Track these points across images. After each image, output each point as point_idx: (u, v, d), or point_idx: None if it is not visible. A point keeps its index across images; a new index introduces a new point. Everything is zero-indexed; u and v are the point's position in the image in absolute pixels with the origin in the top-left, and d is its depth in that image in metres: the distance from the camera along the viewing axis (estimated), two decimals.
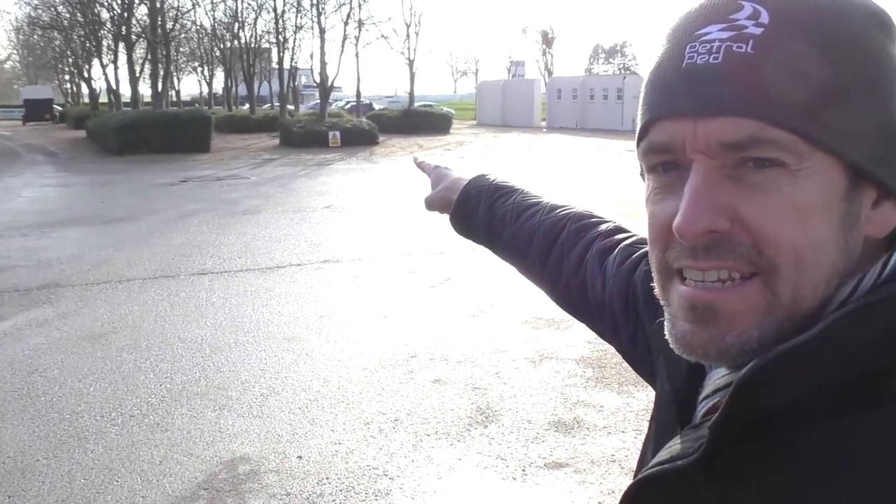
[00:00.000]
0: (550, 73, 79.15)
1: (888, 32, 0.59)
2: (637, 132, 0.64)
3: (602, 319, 1.00)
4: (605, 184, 16.53)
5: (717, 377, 0.64)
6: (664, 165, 0.61)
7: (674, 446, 0.64)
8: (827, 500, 0.52)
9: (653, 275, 0.65)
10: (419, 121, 36.00)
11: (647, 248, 0.68)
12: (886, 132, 0.57)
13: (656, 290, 0.65)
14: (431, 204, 1.35)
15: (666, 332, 0.63)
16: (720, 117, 0.56)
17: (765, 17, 0.56)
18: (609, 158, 23.08)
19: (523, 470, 4.00)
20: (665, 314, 0.64)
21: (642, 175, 0.66)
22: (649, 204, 0.63)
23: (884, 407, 0.53)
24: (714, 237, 0.57)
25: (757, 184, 0.56)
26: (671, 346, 0.62)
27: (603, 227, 1.08)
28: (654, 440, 0.74)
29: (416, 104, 40.68)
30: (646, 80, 0.64)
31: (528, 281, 1.20)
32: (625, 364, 1.07)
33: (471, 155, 25.08)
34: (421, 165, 1.49)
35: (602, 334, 1.03)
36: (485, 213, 1.23)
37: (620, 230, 1.07)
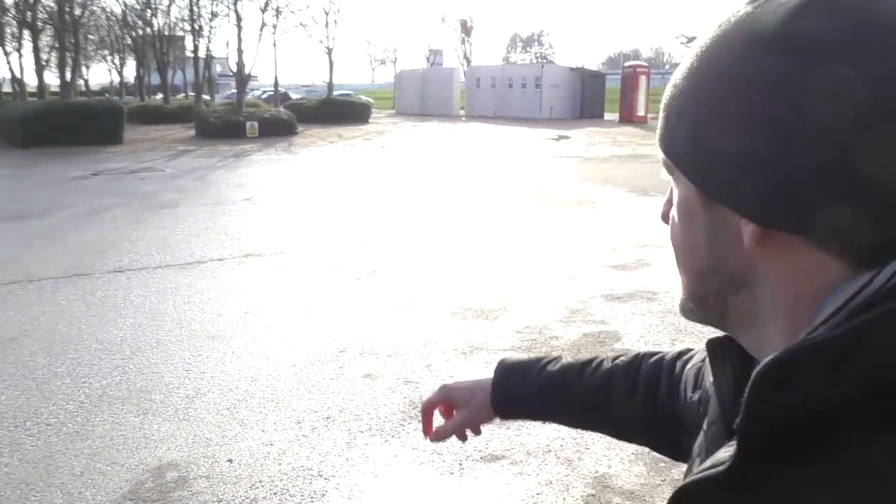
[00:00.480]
0: (469, 62, 79.42)
1: (768, 48, 0.57)
2: None
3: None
4: (525, 172, 16.69)
5: None
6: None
7: (714, 457, 0.63)
8: None
9: None
10: (338, 110, 35.68)
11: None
12: (718, 156, 0.60)
13: None
14: (474, 423, 1.27)
15: None
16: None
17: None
18: (528, 146, 23.34)
19: (460, 464, 3.98)
20: None
21: None
22: None
23: None
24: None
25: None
26: None
27: (674, 351, 1.15)
28: (705, 454, 0.74)
29: (334, 93, 40.29)
30: None
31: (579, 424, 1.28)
32: (554, 352, 1.14)
33: (391, 144, 25.00)
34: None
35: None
36: (534, 381, 1.21)
37: (689, 349, 1.12)
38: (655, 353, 1.16)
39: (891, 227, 0.55)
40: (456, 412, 1.27)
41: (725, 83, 0.59)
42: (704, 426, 0.80)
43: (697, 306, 0.70)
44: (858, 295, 0.56)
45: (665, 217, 0.72)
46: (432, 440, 1.30)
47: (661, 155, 0.68)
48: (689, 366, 1.07)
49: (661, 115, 0.67)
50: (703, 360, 1.01)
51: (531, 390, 1.21)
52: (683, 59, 0.66)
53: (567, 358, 1.22)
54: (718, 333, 0.74)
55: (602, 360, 1.19)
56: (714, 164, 0.60)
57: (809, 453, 0.55)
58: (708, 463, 0.63)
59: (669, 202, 0.71)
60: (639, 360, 1.16)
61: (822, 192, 0.55)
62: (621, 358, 1.18)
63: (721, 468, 0.59)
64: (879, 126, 0.53)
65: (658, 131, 0.68)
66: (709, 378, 0.84)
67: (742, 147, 0.58)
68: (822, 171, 0.54)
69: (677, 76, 0.65)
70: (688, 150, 0.63)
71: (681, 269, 0.71)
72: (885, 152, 0.53)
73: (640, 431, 1.16)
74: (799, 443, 0.56)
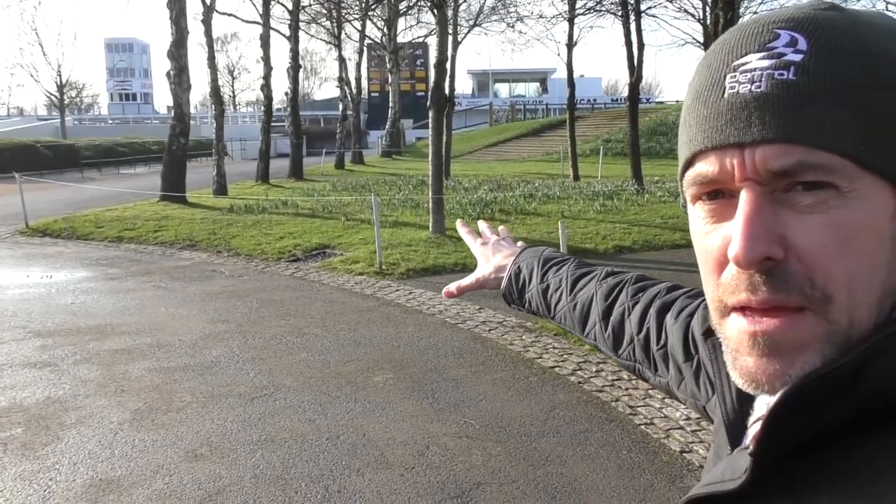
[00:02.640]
0: None
1: None
2: (682, 164, 0.65)
3: (666, 370, 1.03)
4: None
5: (766, 400, 0.65)
6: (710, 194, 0.62)
7: (723, 468, 0.65)
8: None
9: (710, 310, 0.65)
10: None
11: (703, 298, 0.73)
12: None
13: (714, 325, 0.65)
14: (485, 284, 1.39)
15: (729, 368, 0.63)
16: (768, 144, 0.57)
17: (803, 44, 0.58)
18: None
19: None
20: (724, 349, 0.64)
21: (684, 206, 0.68)
22: (699, 236, 0.64)
23: None
24: (770, 265, 0.57)
25: (806, 206, 0.56)
26: (736, 381, 0.62)
27: (661, 285, 1.13)
28: (712, 460, 0.75)
29: None
30: (685, 113, 0.65)
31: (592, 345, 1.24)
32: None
33: None
34: (470, 233, 1.53)
35: (666, 387, 1.04)
36: (538, 285, 1.29)
37: (678, 286, 1.11)
38: (641, 280, 1.16)
39: None
40: (483, 265, 1.41)
41: None
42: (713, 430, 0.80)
43: (841, 351, 0.57)
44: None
45: (761, 257, 0.57)
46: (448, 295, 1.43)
47: (802, 159, 0.56)
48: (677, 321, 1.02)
49: (801, 108, 0.56)
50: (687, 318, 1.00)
51: (533, 298, 1.30)
52: (804, 50, 0.58)
53: (577, 262, 1.29)
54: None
55: (594, 276, 1.23)
56: None
57: (818, 467, 0.57)
58: (718, 474, 0.65)
59: (768, 233, 0.57)
60: (622, 285, 1.17)
61: None
62: (611, 278, 1.20)
63: (733, 485, 0.61)
64: None
65: (801, 128, 0.56)
66: (708, 366, 0.87)
67: None
68: None
69: (821, 66, 0.57)
70: (884, 148, 0.56)
71: (856, 304, 0.57)
72: None
73: (624, 359, 1.15)
74: (809, 458, 0.57)
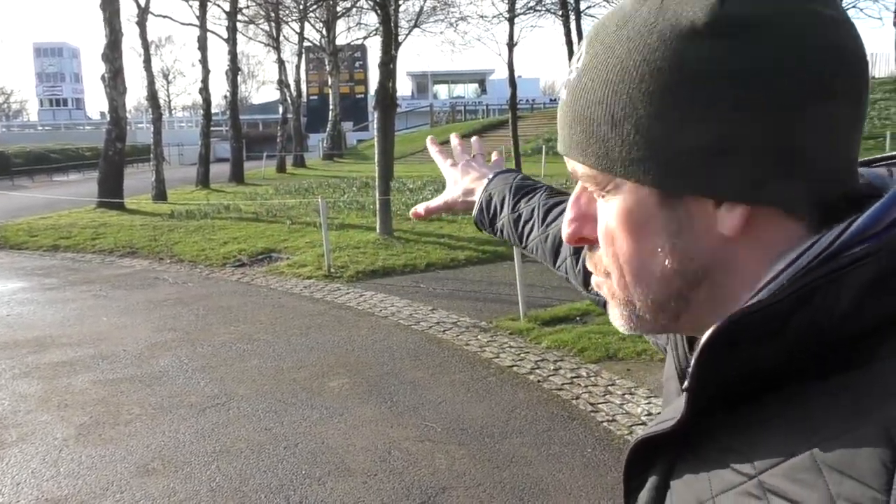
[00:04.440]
0: None
1: (702, 36, 0.57)
2: None
3: None
4: None
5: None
6: None
7: (668, 411, 0.68)
8: (806, 461, 0.54)
9: None
10: None
11: None
12: (679, 149, 0.59)
13: None
14: (453, 207, 1.36)
15: None
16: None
17: (581, 61, 0.64)
18: None
19: None
20: None
21: None
22: None
23: (846, 370, 0.55)
24: (588, 244, 0.70)
25: (600, 202, 0.67)
26: None
27: None
28: (663, 406, 0.78)
29: None
30: None
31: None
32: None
33: None
34: (441, 152, 1.46)
35: None
36: (510, 214, 1.26)
37: None
38: None
39: (839, 184, 0.61)
40: (451, 187, 1.38)
41: (669, 78, 0.58)
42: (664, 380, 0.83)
43: (654, 315, 0.67)
44: (800, 258, 0.59)
45: (575, 238, 0.70)
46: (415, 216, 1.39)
47: (579, 169, 0.66)
48: None
49: (571, 128, 0.65)
50: None
51: (504, 226, 1.29)
52: (579, 67, 0.64)
53: (549, 190, 1.29)
54: None
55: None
56: (683, 159, 0.59)
57: (752, 406, 0.60)
58: (661, 417, 0.69)
59: (580, 220, 0.69)
60: None
61: (785, 164, 0.59)
62: None
63: (671, 423, 0.64)
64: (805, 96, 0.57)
65: (569, 144, 0.66)
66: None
67: (714, 135, 0.58)
68: (782, 144, 0.58)
69: (583, 85, 0.62)
70: (637, 154, 0.60)
71: (629, 283, 0.66)
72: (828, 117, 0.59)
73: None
74: (742, 397, 0.60)
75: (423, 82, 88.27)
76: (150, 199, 20.67)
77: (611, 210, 0.64)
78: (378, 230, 12.97)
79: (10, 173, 34.54)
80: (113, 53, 19.03)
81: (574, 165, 0.67)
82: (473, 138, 1.52)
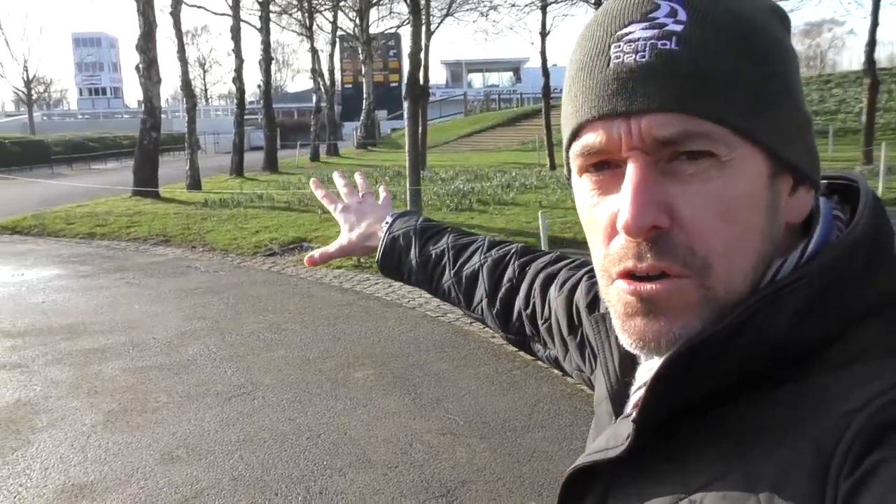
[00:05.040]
0: None
1: (786, 26, 0.63)
2: (567, 136, 0.64)
3: (552, 343, 1.01)
4: None
5: (648, 368, 0.68)
6: (596, 165, 0.62)
7: (607, 437, 0.67)
8: (739, 479, 0.54)
9: (598, 278, 0.66)
10: None
11: (589, 267, 0.79)
12: (795, 120, 0.61)
13: (602, 293, 0.66)
14: (351, 252, 1.32)
15: (618, 331, 0.64)
16: (653, 114, 0.57)
17: (682, 15, 0.58)
18: None
19: None
20: (612, 315, 0.65)
21: (569, 180, 0.68)
22: (586, 207, 0.64)
23: (780, 389, 0.56)
24: (656, 233, 0.58)
25: (690, 175, 0.57)
26: (625, 343, 0.63)
27: (546, 257, 1.11)
28: (593, 432, 0.77)
29: None
30: (568, 84, 0.64)
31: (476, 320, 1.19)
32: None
33: None
34: (327, 196, 1.40)
35: (555, 361, 1.03)
36: (417, 256, 1.22)
37: (564, 257, 1.09)
38: (528, 252, 1.15)
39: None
40: (347, 233, 1.33)
41: (770, 46, 0.60)
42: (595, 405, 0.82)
43: (725, 315, 0.58)
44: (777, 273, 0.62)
45: (650, 227, 0.58)
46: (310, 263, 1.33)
47: (686, 128, 0.57)
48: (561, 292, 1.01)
49: (698, 80, 0.57)
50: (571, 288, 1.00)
51: (412, 269, 1.24)
52: (684, 20, 0.58)
53: (457, 231, 1.26)
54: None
55: (478, 248, 1.19)
56: (793, 128, 0.60)
57: (698, 432, 0.59)
58: (602, 443, 0.67)
59: (660, 204, 0.58)
60: (508, 257, 1.15)
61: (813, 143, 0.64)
62: (496, 249, 1.17)
63: (617, 451, 0.63)
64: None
65: (697, 98, 0.57)
66: (592, 338, 0.87)
67: (798, 110, 0.61)
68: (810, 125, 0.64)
69: (706, 39, 0.58)
70: (767, 116, 0.58)
71: (734, 270, 0.59)
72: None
73: (512, 336, 1.13)
74: (679, 419, 0.60)
75: (457, 70, 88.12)
76: (184, 187, 20.91)
77: (728, 184, 0.57)
78: None
79: (50, 161, 35.18)
80: (147, 44, 19.24)
81: (677, 126, 0.57)
82: (357, 174, 1.46)
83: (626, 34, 0.59)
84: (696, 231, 0.58)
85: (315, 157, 34.27)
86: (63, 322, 7.87)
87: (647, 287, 0.60)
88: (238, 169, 25.52)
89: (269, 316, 7.97)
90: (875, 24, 20.36)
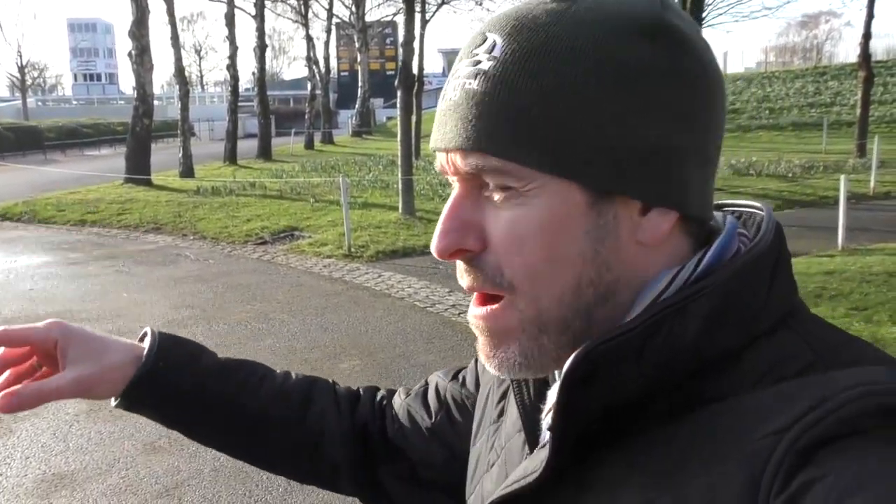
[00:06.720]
0: None
1: (661, 42, 0.58)
2: None
3: (444, 433, 0.96)
4: None
5: (555, 390, 0.65)
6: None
7: (524, 466, 0.64)
8: (665, 501, 0.53)
9: None
10: None
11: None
12: (630, 146, 0.58)
13: None
14: (88, 391, 0.86)
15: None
16: (454, 151, 0.60)
17: (497, 50, 0.58)
18: None
19: None
20: None
21: None
22: None
23: (702, 407, 0.55)
24: (469, 255, 0.61)
25: (498, 202, 0.60)
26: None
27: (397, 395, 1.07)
28: (503, 469, 0.73)
29: None
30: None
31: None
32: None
33: None
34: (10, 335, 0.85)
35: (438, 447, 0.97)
36: (193, 386, 0.93)
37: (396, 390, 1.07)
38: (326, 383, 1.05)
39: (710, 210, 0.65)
40: (63, 365, 0.85)
41: (616, 73, 0.57)
42: (494, 443, 0.79)
43: (556, 339, 0.61)
44: (671, 285, 0.60)
45: (452, 250, 0.61)
46: (7, 410, 0.80)
47: (486, 164, 0.58)
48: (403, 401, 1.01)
49: (489, 119, 0.57)
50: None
51: (186, 401, 0.93)
52: (497, 56, 0.58)
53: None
54: None
55: (261, 370, 1.01)
56: (623, 157, 0.58)
57: (617, 446, 0.58)
58: (519, 473, 0.64)
59: (463, 229, 0.61)
60: (313, 381, 1.04)
61: (700, 169, 0.61)
62: (285, 375, 1.02)
63: (534, 476, 0.60)
64: (718, 109, 0.62)
65: (485, 137, 0.58)
66: (490, 395, 0.85)
67: (655, 133, 0.58)
68: (699, 152, 0.61)
69: (511, 75, 0.57)
70: (574, 150, 0.57)
71: (539, 296, 0.60)
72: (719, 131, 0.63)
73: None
74: (607, 437, 0.58)
75: (453, 59, 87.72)
76: (177, 175, 20.84)
77: (529, 212, 0.58)
78: (400, 210, 12.96)
79: (43, 147, 35.05)
80: (140, 30, 19.12)
81: (472, 162, 0.59)
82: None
83: (455, 71, 0.61)
84: (502, 253, 0.60)
85: (309, 144, 34.17)
86: (50, 309, 7.84)
87: (478, 310, 0.63)
88: (231, 156, 25.43)
89: (257, 305, 7.95)
90: (870, 16, 20.39)
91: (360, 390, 1.05)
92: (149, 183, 18.87)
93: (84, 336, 0.87)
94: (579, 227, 0.59)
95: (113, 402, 0.91)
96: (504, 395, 0.82)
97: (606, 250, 0.60)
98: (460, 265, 0.63)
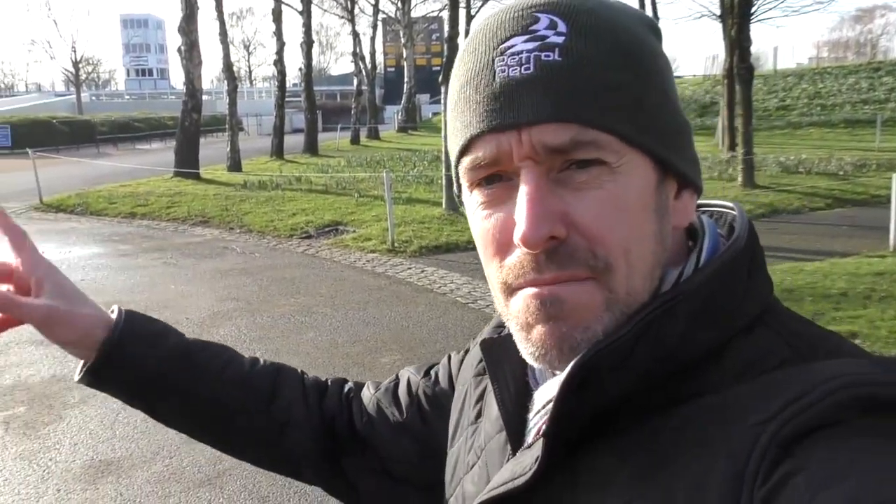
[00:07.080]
0: None
1: (659, 37, 0.65)
2: (456, 152, 0.64)
3: (412, 424, 0.97)
4: None
5: (546, 392, 0.67)
6: (488, 179, 0.62)
7: (510, 468, 0.64)
8: (658, 499, 0.53)
9: (494, 295, 0.65)
10: None
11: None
12: (676, 127, 0.63)
13: (500, 309, 0.65)
14: (54, 326, 0.86)
15: (520, 345, 0.63)
16: (543, 124, 0.57)
17: (562, 27, 0.59)
18: None
19: None
20: (513, 329, 0.64)
21: (459, 195, 0.68)
22: (478, 221, 0.64)
23: (686, 404, 0.56)
24: (554, 244, 0.58)
25: (582, 183, 0.58)
26: (527, 355, 0.63)
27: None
28: (483, 470, 0.73)
29: None
30: (454, 100, 0.64)
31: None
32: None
33: None
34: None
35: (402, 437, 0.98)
36: (157, 365, 0.93)
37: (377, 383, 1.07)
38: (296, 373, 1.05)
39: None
40: (37, 296, 0.86)
41: (658, 55, 0.63)
42: (473, 444, 0.78)
43: (628, 320, 0.59)
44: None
45: (548, 233, 0.57)
46: None
47: (574, 136, 0.57)
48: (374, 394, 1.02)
49: (569, 89, 0.57)
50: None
51: (148, 380, 0.93)
52: (565, 32, 0.59)
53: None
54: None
55: (229, 353, 1.04)
56: (674, 136, 0.62)
57: (605, 445, 0.59)
58: (505, 475, 0.64)
59: (556, 215, 0.58)
60: (287, 371, 1.04)
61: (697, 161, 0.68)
62: (253, 361, 1.04)
63: (525, 477, 0.60)
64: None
65: (571, 107, 0.57)
66: (467, 395, 0.85)
67: (677, 116, 0.64)
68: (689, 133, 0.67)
69: (589, 51, 0.58)
70: (651, 126, 0.60)
71: (634, 273, 0.59)
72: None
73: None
74: (594, 436, 0.59)
75: None
76: (225, 169, 21.15)
77: (619, 189, 0.58)
78: (444, 206, 12.99)
79: (96, 141, 35.85)
80: (189, 26, 19.43)
81: (567, 135, 0.57)
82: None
83: (509, 47, 0.60)
84: (594, 234, 0.58)
85: (355, 140, 34.42)
86: (99, 300, 7.78)
87: (551, 289, 0.59)
88: (278, 151, 25.72)
89: (300, 298, 8.03)
90: None
91: (329, 381, 1.05)
92: (197, 177, 19.18)
93: (64, 280, 0.90)
94: (652, 204, 0.61)
95: (77, 375, 0.92)
96: (482, 397, 0.82)
97: (665, 231, 0.62)
98: (527, 260, 0.59)
